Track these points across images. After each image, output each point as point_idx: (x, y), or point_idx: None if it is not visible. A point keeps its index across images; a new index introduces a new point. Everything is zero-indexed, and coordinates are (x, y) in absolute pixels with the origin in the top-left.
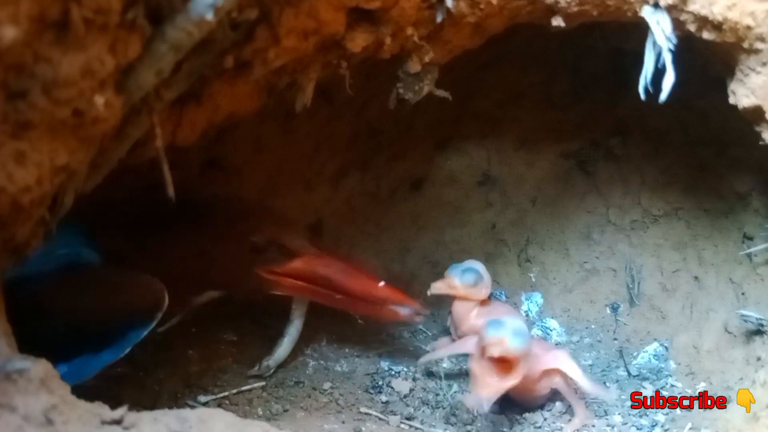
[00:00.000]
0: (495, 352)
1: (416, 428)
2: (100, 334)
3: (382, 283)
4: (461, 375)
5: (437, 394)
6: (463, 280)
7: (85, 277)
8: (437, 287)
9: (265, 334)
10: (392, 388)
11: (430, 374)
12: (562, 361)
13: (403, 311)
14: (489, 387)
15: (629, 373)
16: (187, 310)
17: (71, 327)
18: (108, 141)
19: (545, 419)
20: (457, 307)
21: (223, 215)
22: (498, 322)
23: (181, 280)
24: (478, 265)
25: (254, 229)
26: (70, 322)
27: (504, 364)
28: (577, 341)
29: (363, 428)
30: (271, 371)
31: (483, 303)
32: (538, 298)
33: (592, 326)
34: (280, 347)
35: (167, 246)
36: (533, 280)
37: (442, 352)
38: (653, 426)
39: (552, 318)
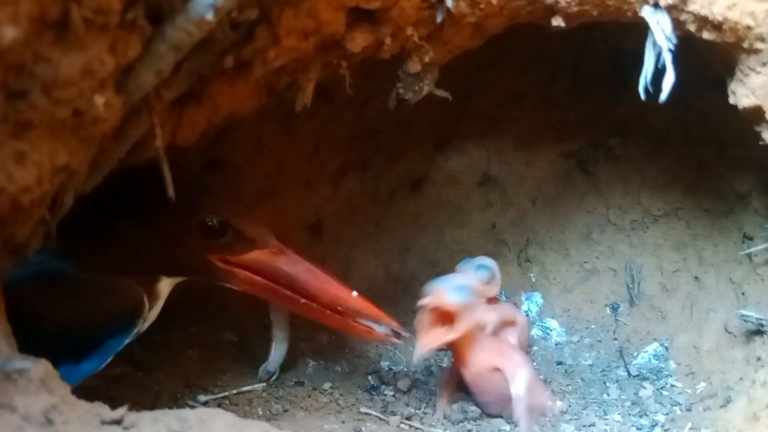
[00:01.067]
0: (432, 301)
1: (416, 428)
2: (79, 343)
3: (354, 293)
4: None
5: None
6: (477, 276)
7: (60, 285)
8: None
9: (265, 334)
10: (392, 388)
11: (430, 374)
12: (510, 369)
13: (379, 329)
14: (427, 337)
15: (629, 373)
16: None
17: (49, 336)
18: (108, 141)
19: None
20: None
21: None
22: (444, 278)
23: (136, 270)
24: (491, 263)
25: (207, 208)
26: (48, 331)
27: (445, 317)
28: (577, 341)
29: (363, 428)
30: (274, 375)
31: (490, 300)
32: (538, 298)
33: (592, 326)
34: (272, 351)
35: (117, 235)
36: (533, 280)
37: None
38: (653, 426)
39: (552, 318)
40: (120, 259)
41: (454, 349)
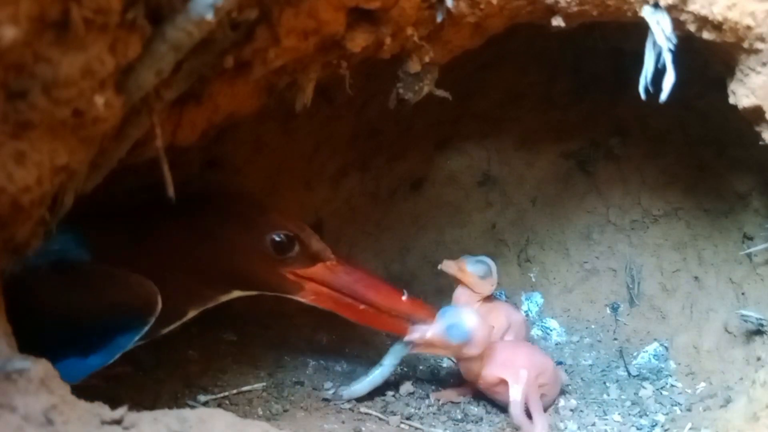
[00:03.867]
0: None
1: (416, 428)
2: (88, 336)
3: (405, 296)
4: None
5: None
6: (473, 269)
7: (75, 276)
8: (448, 265)
9: (265, 334)
10: (392, 387)
11: (431, 374)
12: (512, 380)
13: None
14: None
15: (629, 373)
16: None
17: (59, 327)
18: (108, 141)
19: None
20: (459, 295)
21: (234, 208)
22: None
23: (187, 276)
24: (491, 262)
25: (276, 224)
26: (58, 322)
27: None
28: (577, 341)
29: (363, 428)
30: (342, 400)
31: (486, 300)
32: (538, 298)
33: (592, 326)
34: (358, 383)
35: (166, 240)
36: (533, 280)
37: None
38: (653, 426)
39: (552, 318)
40: (167, 267)
41: (461, 364)
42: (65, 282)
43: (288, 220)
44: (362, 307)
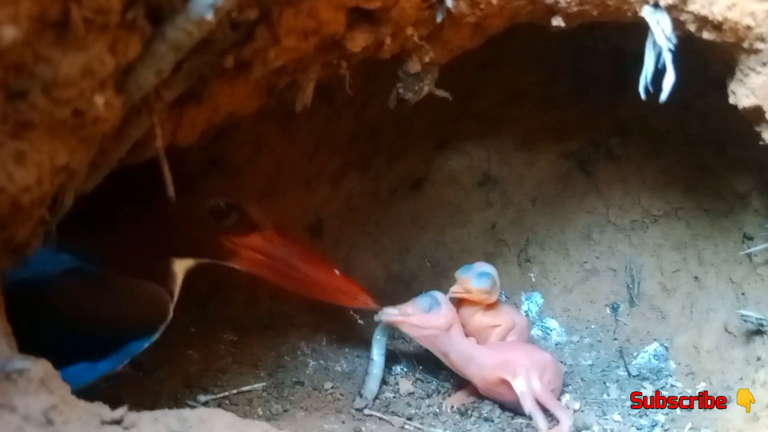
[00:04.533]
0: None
1: (417, 428)
2: (100, 342)
3: (337, 272)
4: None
5: (439, 393)
6: (479, 284)
7: (88, 283)
8: (454, 292)
9: (265, 334)
10: (393, 387)
11: (432, 373)
12: (510, 373)
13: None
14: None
15: (629, 373)
16: None
17: (72, 333)
18: (108, 141)
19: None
20: (465, 310)
21: (176, 172)
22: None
23: (150, 255)
24: (490, 269)
25: (216, 192)
26: (71, 328)
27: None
28: (577, 341)
29: (363, 428)
30: (368, 404)
31: (490, 306)
32: (538, 298)
33: (592, 326)
34: (370, 380)
35: (126, 225)
36: (533, 280)
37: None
38: (653, 426)
39: (552, 318)
40: (132, 247)
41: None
42: (82, 289)
43: (230, 187)
44: (296, 276)
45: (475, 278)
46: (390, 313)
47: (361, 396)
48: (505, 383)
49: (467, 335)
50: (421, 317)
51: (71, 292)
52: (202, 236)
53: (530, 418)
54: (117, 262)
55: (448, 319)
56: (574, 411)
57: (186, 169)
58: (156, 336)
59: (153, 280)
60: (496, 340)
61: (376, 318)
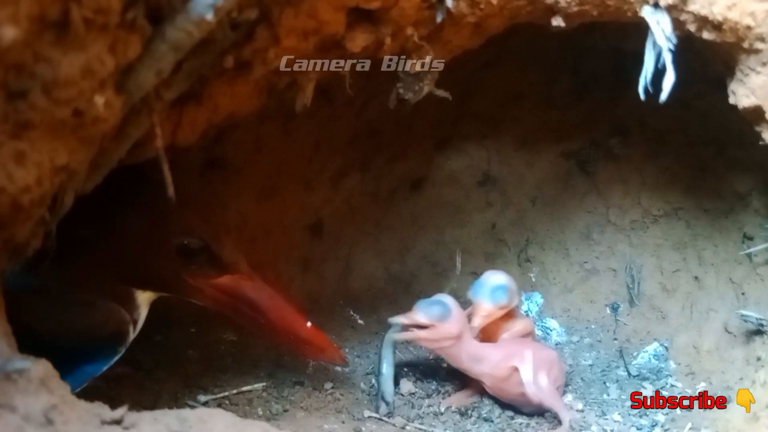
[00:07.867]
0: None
1: (417, 428)
2: (54, 362)
3: (309, 324)
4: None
5: (439, 393)
6: (495, 300)
7: (42, 301)
8: (479, 322)
9: None
10: (393, 388)
11: (433, 374)
12: (519, 359)
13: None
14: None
15: (629, 373)
16: None
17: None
18: (108, 141)
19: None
20: (494, 331)
21: (149, 206)
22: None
23: (108, 279)
24: (501, 277)
25: (188, 229)
26: (23, 344)
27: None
28: (577, 341)
29: (363, 428)
30: (389, 407)
31: (507, 314)
32: (538, 298)
33: (592, 326)
34: (382, 385)
35: (87, 244)
36: (533, 280)
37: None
38: (653, 426)
39: (552, 318)
40: (90, 269)
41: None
42: (34, 307)
43: (202, 226)
44: (263, 322)
45: (490, 296)
46: (400, 333)
47: (386, 403)
48: (514, 374)
49: (483, 339)
50: (434, 331)
51: (23, 308)
52: (165, 272)
53: (530, 417)
54: (76, 283)
55: (460, 326)
56: (577, 411)
57: (159, 204)
58: (116, 358)
59: None
60: (508, 337)
61: (388, 330)
